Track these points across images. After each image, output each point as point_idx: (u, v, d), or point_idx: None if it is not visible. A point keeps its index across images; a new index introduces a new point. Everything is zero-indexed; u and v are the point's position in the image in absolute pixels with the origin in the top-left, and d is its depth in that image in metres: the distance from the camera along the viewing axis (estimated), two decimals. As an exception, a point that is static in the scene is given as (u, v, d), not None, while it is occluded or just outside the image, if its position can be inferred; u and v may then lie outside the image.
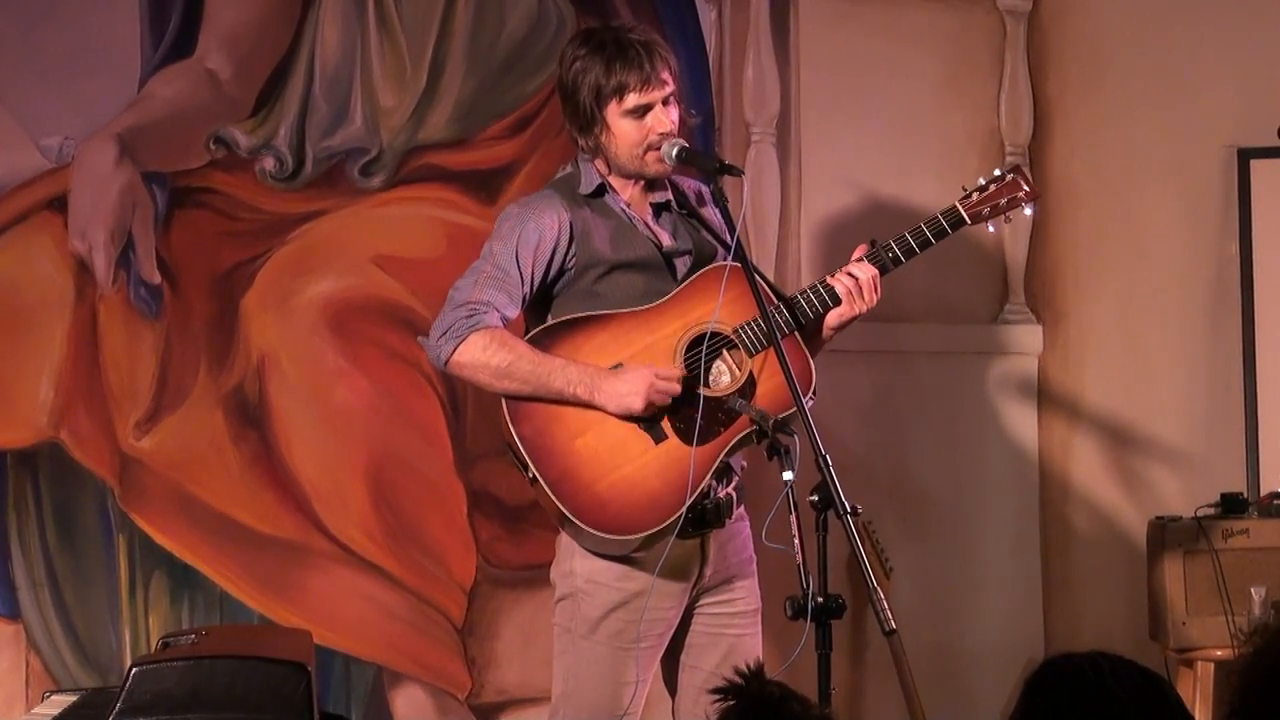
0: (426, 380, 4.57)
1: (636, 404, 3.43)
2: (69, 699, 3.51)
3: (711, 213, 3.69)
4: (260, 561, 4.46)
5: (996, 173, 3.74)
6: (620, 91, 3.52)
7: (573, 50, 3.58)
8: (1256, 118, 4.92)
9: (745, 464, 3.63)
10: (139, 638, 4.40)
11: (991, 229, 3.74)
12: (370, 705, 4.55)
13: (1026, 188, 3.72)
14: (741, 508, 3.63)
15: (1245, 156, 4.96)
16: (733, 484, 3.58)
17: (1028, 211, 3.74)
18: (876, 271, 3.60)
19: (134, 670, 2.99)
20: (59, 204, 4.40)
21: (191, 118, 4.49)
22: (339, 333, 4.55)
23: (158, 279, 4.45)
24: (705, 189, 3.72)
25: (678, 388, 3.45)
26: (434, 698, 4.58)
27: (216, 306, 4.49)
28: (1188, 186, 5.01)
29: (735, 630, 3.62)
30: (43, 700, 3.65)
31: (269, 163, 4.54)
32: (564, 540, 3.58)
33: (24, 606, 4.37)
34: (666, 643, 3.59)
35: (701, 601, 3.60)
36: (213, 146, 4.50)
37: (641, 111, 3.54)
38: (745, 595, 3.63)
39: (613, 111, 3.54)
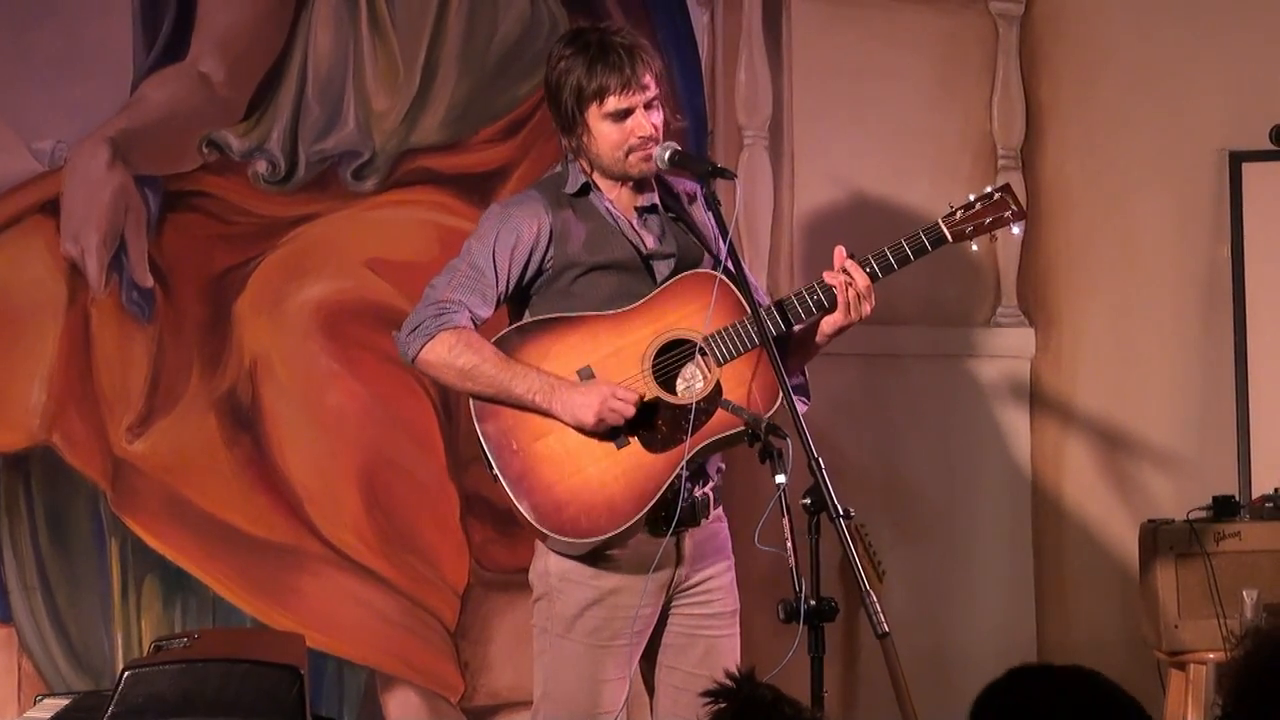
0: (419, 383, 4.56)
1: (587, 417, 3.43)
2: (61, 702, 3.51)
3: (701, 213, 3.68)
4: (253, 565, 4.46)
5: (986, 190, 3.65)
6: (601, 94, 3.51)
7: (559, 49, 3.58)
8: (1248, 121, 4.92)
9: (723, 466, 3.63)
10: (131, 641, 4.40)
11: (975, 247, 3.65)
12: (363, 708, 4.55)
13: (1014, 207, 3.63)
14: (719, 509, 3.63)
15: (1237, 159, 4.96)
16: (709, 485, 3.57)
17: (1015, 231, 3.66)
18: (869, 279, 3.56)
19: (126, 674, 3.00)
20: (51, 207, 4.40)
21: (184, 121, 4.49)
22: (332, 336, 4.55)
23: (150, 282, 4.45)
24: (699, 189, 3.71)
25: (631, 410, 3.44)
26: (426, 701, 4.58)
27: (209, 310, 4.49)
28: (1180, 190, 5.01)
29: (713, 631, 3.61)
30: (35, 704, 3.65)
31: (261, 166, 4.54)
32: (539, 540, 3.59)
33: (16, 610, 4.37)
34: (645, 641, 3.58)
35: (677, 601, 3.59)
36: (205, 150, 4.50)
37: (622, 115, 3.53)
38: (722, 596, 3.62)
39: (593, 114, 3.53)
